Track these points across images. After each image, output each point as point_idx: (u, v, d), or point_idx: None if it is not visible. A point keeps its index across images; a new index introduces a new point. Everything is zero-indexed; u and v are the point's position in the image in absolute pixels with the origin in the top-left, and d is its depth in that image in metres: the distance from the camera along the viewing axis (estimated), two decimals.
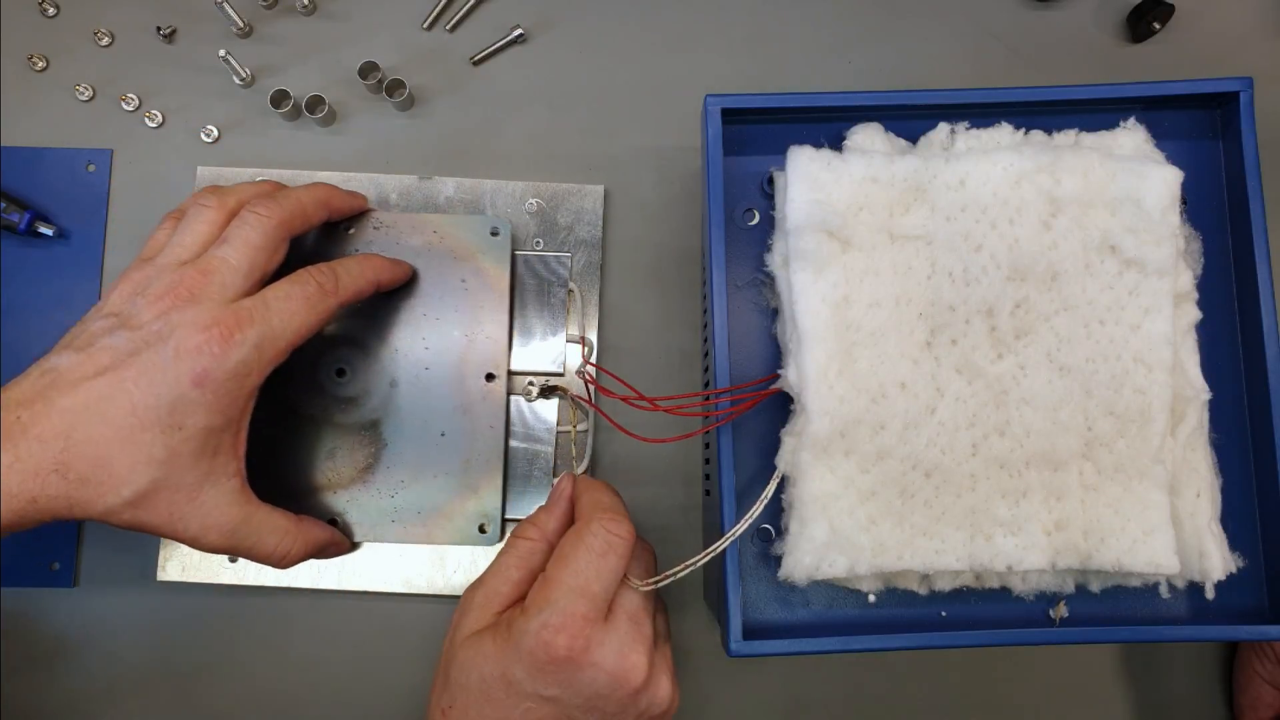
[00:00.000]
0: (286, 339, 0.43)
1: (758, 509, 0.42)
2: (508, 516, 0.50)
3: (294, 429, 0.50)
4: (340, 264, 0.46)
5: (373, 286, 0.47)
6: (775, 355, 0.46)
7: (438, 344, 0.50)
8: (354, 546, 0.50)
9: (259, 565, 0.50)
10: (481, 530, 0.49)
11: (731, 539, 0.41)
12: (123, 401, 0.39)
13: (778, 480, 0.42)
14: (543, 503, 0.47)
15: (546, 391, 0.51)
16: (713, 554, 0.41)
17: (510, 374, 0.51)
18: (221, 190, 0.46)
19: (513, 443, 0.51)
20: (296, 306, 0.43)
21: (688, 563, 0.41)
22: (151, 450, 0.40)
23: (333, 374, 0.50)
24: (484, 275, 0.50)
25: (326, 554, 0.49)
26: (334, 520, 0.49)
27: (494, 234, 0.50)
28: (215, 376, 0.40)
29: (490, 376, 0.50)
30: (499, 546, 0.49)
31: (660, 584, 0.42)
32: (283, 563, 0.45)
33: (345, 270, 0.46)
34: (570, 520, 0.45)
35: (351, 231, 0.50)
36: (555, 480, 0.48)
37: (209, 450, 0.41)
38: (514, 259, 0.52)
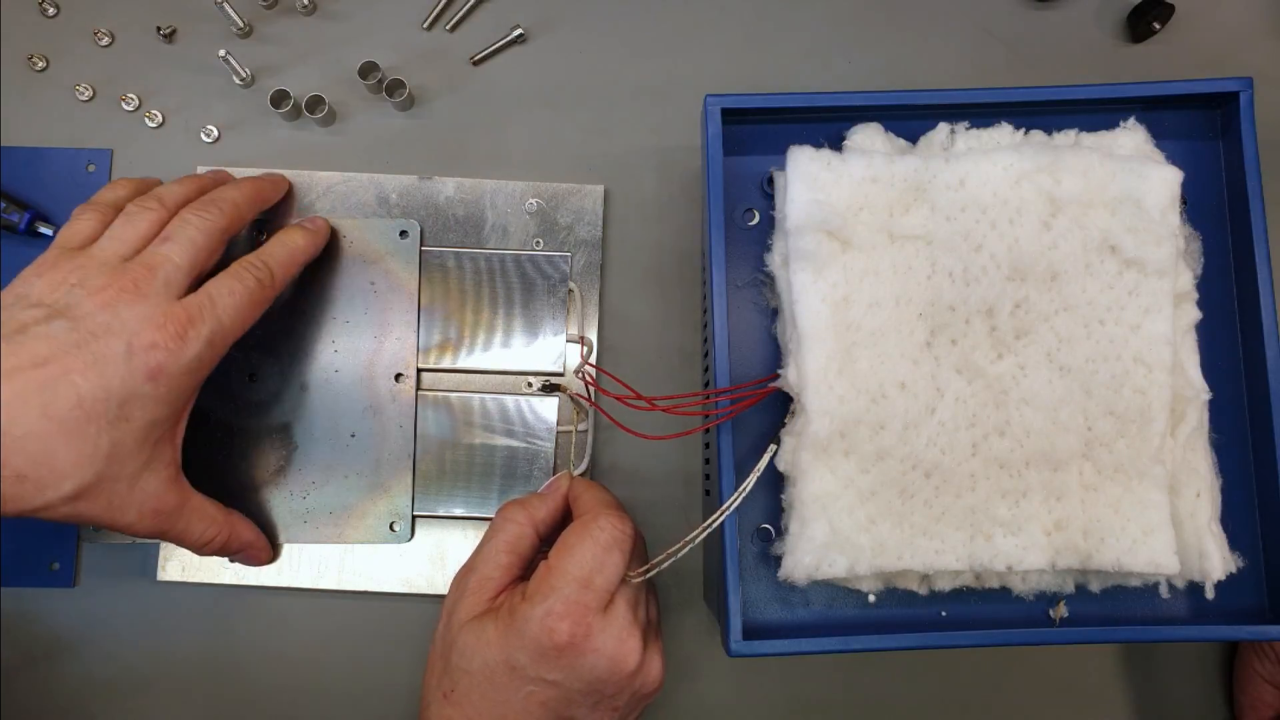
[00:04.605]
0: (235, 333, 0.44)
1: (751, 480, 0.42)
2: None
3: (205, 434, 0.50)
4: (268, 253, 0.47)
5: (300, 266, 0.49)
6: (775, 355, 0.46)
7: (347, 347, 0.51)
8: (273, 558, 0.50)
9: (259, 566, 0.51)
10: (392, 528, 0.50)
11: (726, 512, 0.41)
12: (66, 393, 0.38)
13: (771, 454, 0.42)
14: None
15: (547, 389, 0.51)
16: (709, 529, 0.41)
17: (420, 372, 0.51)
18: (160, 193, 0.46)
19: (512, 442, 0.51)
20: (240, 301, 0.44)
21: (675, 547, 0.42)
22: (97, 443, 0.39)
23: (244, 379, 0.51)
24: (393, 277, 0.51)
25: (245, 556, 0.49)
26: None
27: (403, 235, 0.51)
28: (170, 371, 0.41)
29: (399, 377, 0.51)
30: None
31: (650, 573, 0.43)
32: (203, 551, 0.46)
33: (274, 259, 0.46)
34: (561, 514, 0.46)
35: (264, 237, 0.51)
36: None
37: (151, 440, 0.42)
38: (512, 260, 0.52)
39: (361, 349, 0.51)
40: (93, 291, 0.41)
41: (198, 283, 0.44)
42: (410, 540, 0.51)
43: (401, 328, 0.51)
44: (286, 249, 0.48)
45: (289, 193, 0.52)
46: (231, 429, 0.50)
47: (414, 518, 0.51)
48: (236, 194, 0.47)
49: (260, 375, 0.51)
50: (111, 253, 0.43)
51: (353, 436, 0.50)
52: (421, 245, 0.52)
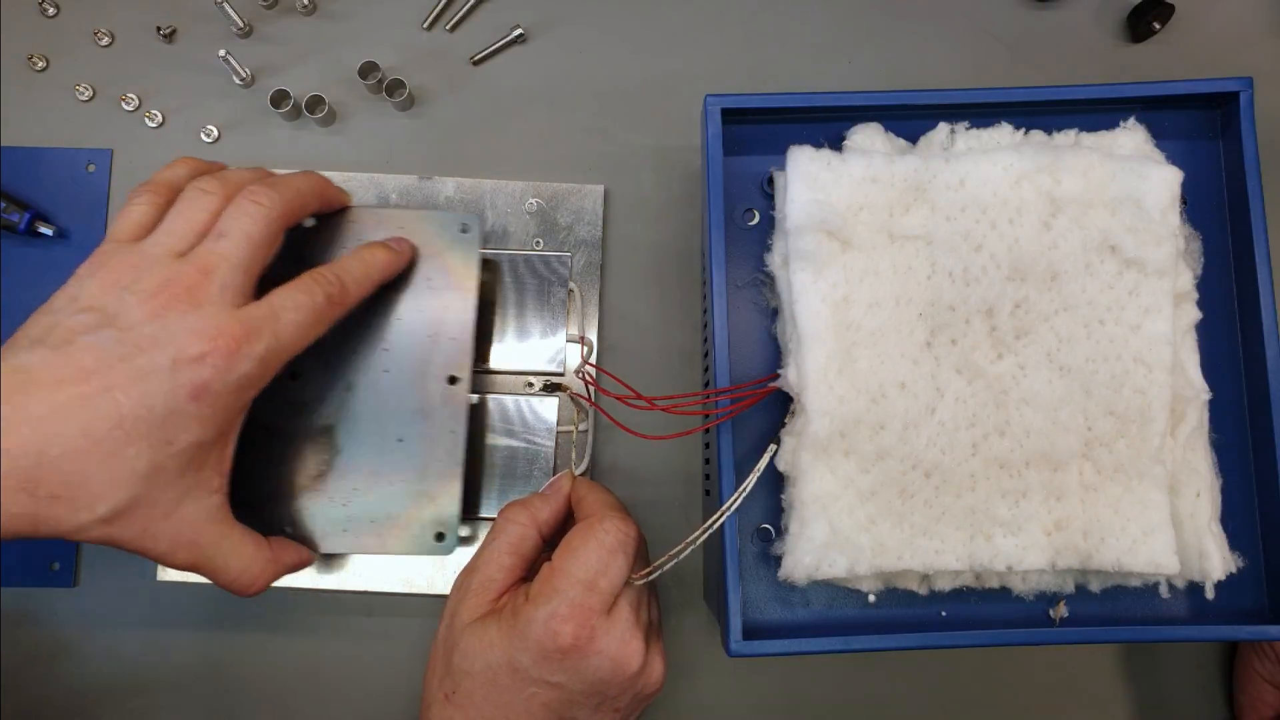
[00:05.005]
0: (292, 352, 0.41)
1: (751, 480, 0.42)
2: (490, 516, 0.50)
3: (243, 436, 0.45)
4: (343, 267, 0.43)
5: (376, 285, 0.45)
6: (775, 355, 0.46)
7: (399, 345, 0.47)
8: (319, 556, 0.47)
9: None
10: (439, 539, 0.47)
11: (727, 512, 0.41)
12: (108, 411, 0.36)
13: (771, 454, 0.42)
14: None
15: (548, 389, 0.51)
16: (709, 529, 0.41)
17: (474, 374, 0.48)
18: (221, 175, 0.43)
19: (513, 442, 0.51)
20: (305, 318, 0.41)
21: (677, 548, 0.42)
22: (135, 465, 0.36)
23: (286, 377, 0.46)
24: (451, 274, 0.48)
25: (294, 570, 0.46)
26: (284, 530, 0.46)
27: (464, 230, 0.48)
28: (215, 390, 0.38)
29: (453, 379, 0.47)
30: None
31: (652, 575, 0.42)
32: (248, 590, 0.42)
33: (349, 274, 0.43)
34: (564, 515, 0.46)
35: (312, 223, 0.47)
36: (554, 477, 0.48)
37: (195, 465, 0.39)
38: (507, 260, 0.52)
39: (414, 348, 0.47)
40: (143, 298, 0.38)
41: (261, 282, 0.41)
42: (471, 545, 0.49)
43: (457, 327, 0.47)
44: (364, 264, 0.44)
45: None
46: (271, 430, 0.47)
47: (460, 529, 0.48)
48: (300, 180, 0.44)
49: (304, 374, 0.47)
50: (166, 249, 0.39)
51: (400, 441, 0.47)
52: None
